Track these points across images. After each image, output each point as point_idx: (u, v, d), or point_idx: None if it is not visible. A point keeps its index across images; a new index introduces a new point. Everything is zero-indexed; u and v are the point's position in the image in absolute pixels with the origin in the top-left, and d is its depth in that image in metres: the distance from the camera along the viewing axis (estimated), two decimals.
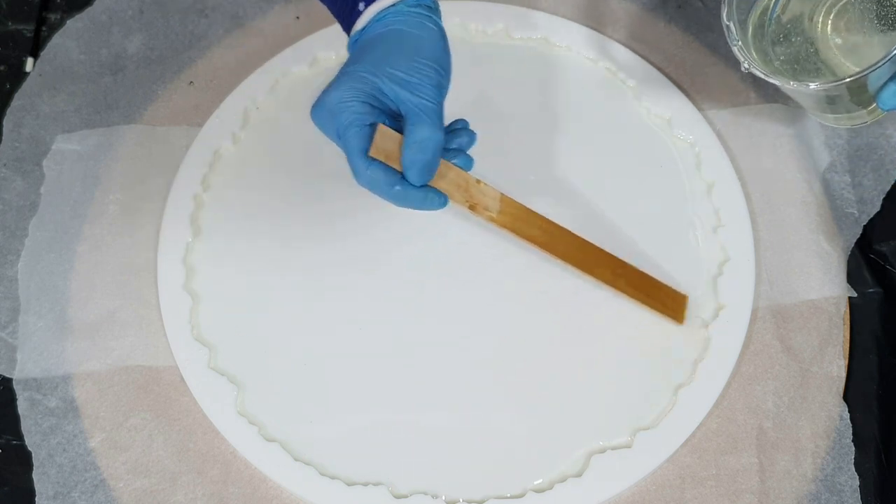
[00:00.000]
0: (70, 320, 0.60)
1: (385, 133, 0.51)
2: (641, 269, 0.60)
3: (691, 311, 0.60)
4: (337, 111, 0.52)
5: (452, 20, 0.68)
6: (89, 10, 0.71)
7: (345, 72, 0.53)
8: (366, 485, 0.55)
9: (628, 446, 0.56)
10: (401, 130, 0.52)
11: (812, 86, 0.53)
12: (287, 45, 0.69)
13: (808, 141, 0.65)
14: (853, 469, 0.56)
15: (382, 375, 0.58)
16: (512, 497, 0.55)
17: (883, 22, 0.55)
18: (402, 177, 0.52)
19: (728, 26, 0.56)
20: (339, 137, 0.52)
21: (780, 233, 0.63)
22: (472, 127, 0.56)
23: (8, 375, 0.59)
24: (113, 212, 0.64)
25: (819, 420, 0.57)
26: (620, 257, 0.59)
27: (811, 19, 0.57)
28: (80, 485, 0.56)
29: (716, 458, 0.56)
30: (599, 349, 0.59)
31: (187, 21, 0.71)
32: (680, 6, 0.71)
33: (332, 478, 0.55)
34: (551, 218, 0.58)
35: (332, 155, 0.63)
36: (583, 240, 0.59)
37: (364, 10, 0.54)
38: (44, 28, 0.72)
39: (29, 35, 0.71)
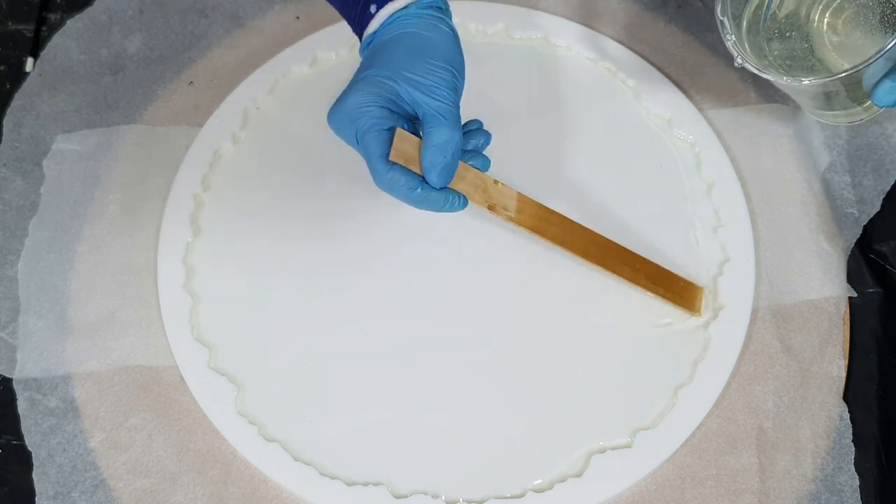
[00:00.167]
0: (70, 320, 0.60)
1: (404, 137, 0.51)
2: None
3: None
4: (355, 116, 0.52)
5: (452, 20, 0.68)
6: (89, 10, 0.71)
7: (361, 76, 0.53)
8: (366, 485, 0.55)
9: (628, 446, 0.56)
10: (418, 133, 0.52)
11: (805, 81, 0.53)
12: (287, 45, 0.69)
13: (808, 141, 0.65)
14: (853, 469, 0.56)
15: (382, 375, 0.58)
16: (512, 497, 0.55)
17: (879, 20, 0.55)
18: (422, 180, 0.52)
19: (722, 21, 0.56)
20: (358, 142, 0.52)
21: (780, 233, 0.63)
22: None
23: (8, 375, 0.59)
24: (113, 212, 0.64)
25: (819, 420, 0.57)
26: None
27: (807, 16, 0.57)
28: (80, 485, 0.56)
29: (716, 458, 0.56)
30: (599, 349, 0.59)
31: (187, 21, 0.71)
32: (680, 6, 0.71)
33: (332, 478, 0.55)
34: None
35: (332, 155, 0.64)
36: (601, 236, 0.59)
37: (376, 12, 0.54)
38: (44, 28, 0.72)
39: (29, 35, 0.71)
